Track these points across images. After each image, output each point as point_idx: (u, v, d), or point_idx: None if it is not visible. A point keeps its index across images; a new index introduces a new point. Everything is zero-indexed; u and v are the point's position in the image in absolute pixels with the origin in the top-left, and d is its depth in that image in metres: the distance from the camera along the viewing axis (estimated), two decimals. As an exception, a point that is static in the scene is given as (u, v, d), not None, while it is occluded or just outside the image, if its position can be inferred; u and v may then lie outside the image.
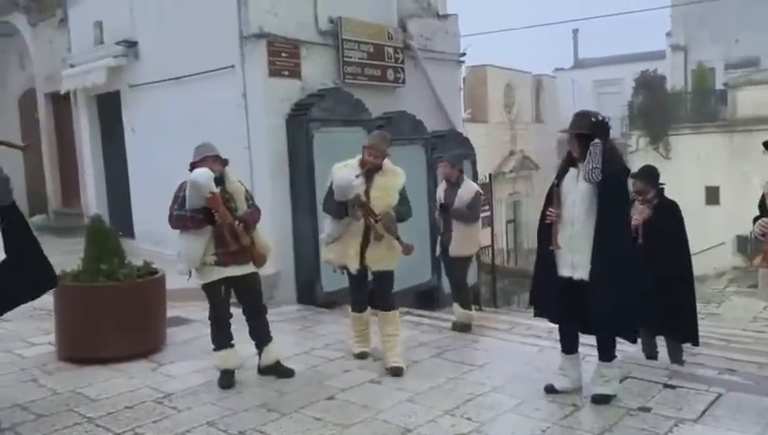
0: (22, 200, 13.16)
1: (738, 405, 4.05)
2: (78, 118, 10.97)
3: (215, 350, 4.56)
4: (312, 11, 8.06)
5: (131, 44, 9.17)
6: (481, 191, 6.61)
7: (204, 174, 4.20)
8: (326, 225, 4.91)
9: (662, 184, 5.72)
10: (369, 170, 4.68)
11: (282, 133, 7.62)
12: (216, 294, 4.48)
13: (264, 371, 4.71)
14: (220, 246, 4.34)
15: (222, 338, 4.55)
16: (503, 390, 4.39)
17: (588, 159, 3.90)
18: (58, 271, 4.33)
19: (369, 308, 5.13)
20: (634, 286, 4.03)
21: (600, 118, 4.09)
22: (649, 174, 5.61)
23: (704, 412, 3.94)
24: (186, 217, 4.28)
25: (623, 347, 5.79)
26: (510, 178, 23.22)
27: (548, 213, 4.17)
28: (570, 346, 4.33)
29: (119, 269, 5.21)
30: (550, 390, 4.28)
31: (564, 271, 4.10)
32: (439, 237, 6.50)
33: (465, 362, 5.14)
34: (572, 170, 4.11)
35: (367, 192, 4.62)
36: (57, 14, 10.96)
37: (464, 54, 10.77)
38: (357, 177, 4.62)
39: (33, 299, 4.11)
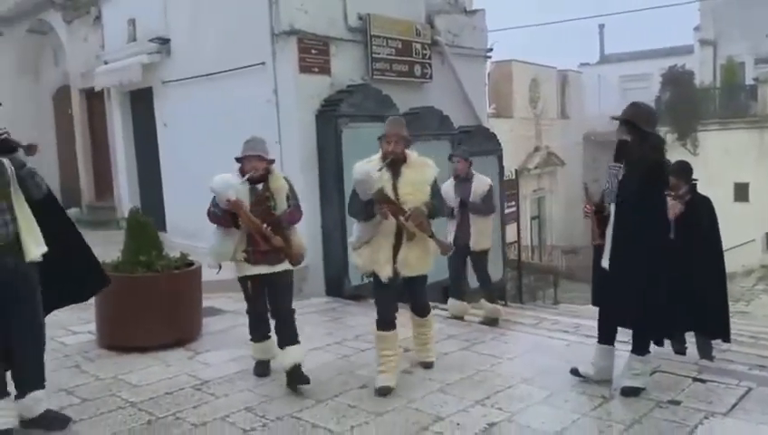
0: (55, 194, 13.52)
1: (769, 399, 4.07)
2: (111, 113, 11.22)
3: (251, 340, 4.62)
4: (341, 8, 8.16)
5: (164, 41, 9.36)
6: (492, 184, 6.70)
7: (220, 182, 4.11)
8: (355, 228, 4.43)
9: (695, 179, 5.72)
10: (395, 163, 4.23)
11: (311, 129, 7.74)
12: (246, 289, 4.45)
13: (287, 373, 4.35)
14: (251, 245, 4.26)
15: (258, 330, 4.56)
16: (532, 382, 4.46)
17: (607, 179, 4.16)
18: None
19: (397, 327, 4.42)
20: (657, 284, 4.08)
21: (644, 106, 4.29)
22: (682, 169, 5.61)
23: (734, 406, 3.97)
24: (218, 215, 4.24)
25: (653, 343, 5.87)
26: (534, 174, 23.14)
27: (585, 208, 4.39)
28: (604, 336, 4.37)
29: (157, 261, 5.37)
30: (574, 373, 4.44)
31: (605, 263, 4.23)
32: (453, 235, 6.39)
33: (494, 354, 5.21)
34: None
35: (395, 188, 4.19)
36: (92, 12, 11.21)
37: (491, 50, 10.80)
38: (379, 170, 4.13)
39: (83, 300, 4.14)
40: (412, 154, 4.37)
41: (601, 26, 33.00)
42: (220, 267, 4.47)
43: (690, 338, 5.75)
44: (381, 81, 8.43)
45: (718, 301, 5.61)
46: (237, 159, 4.32)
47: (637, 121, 4.11)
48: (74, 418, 3.87)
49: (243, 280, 4.42)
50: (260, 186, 4.28)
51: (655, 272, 4.08)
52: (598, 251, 4.36)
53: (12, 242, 3.45)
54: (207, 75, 8.53)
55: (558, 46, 37.89)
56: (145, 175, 10.73)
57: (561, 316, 9.09)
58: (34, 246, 3.51)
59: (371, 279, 4.41)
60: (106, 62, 10.47)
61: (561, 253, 19.44)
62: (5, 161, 3.49)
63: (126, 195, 11.00)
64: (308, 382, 4.25)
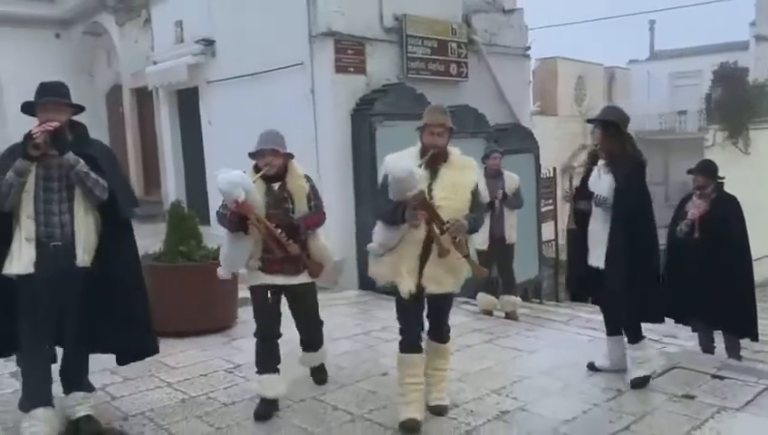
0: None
1: (787, 398, 4.10)
2: (159, 112, 11.71)
3: (257, 372, 3.90)
4: (377, 9, 8.38)
5: (209, 43, 9.75)
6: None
7: (229, 180, 3.55)
8: (377, 232, 3.72)
9: (721, 178, 5.73)
10: (433, 160, 3.54)
11: (347, 127, 7.99)
12: (261, 298, 3.86)
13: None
14: (266, 251, 3.77)
15: (266, 359, 3.88)
16: (549, 374, 4.58)
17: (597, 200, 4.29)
18: (141, 253, 4.57)
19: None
20: (647, 273, 4.30)
21: (620, 109, 4.50)
22: (709, 169, 5.62)
23: (749, 402, 4.02)
24: (225, 216, 3.71)
25: (681, 342, 5.89)
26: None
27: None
28: (610, 328, 4.54)
29: (196, 251, 5.69)
30: (591, 367, 4.57)
31: (594, 262, 4.36)
32: (489, 229, 6.45)
33: (516, 347, 5.34)
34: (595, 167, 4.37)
35: (429, 191, 3.49)
36: (142, 15, 11.72)
37: (529, 48, 10.84)
38: (419, 166, 3.47)
39: (119, 362, 3.88)
40: (454, 151, 3.70)
41: (652, 22, 32.33)
42: (234, 276, 4.08)
43: (720, 338, 5.75)
44: (416, 80, 8.61)
45: (745, 299, 5.60)
46: (251, 155, 3.86)
47: (621, 124, 4.23)
48: (116, 394, 4.20)
49: (255, 289, 3.88)
50: (276, 185, 3.82)
51: (654, 266, 4.31)
52: (574, 244, 4.54)
53: (67, 244, 3.41)
54: (249, 75, 8.87)
55: (607, 43, 37.13)
56: (191, 171, 11.17)
57: (594, 314, 9.10)
58: (82, 251, 3.44)
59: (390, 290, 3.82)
60: (155, 63, 10.95)
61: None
62: (65, 160, 3.34)
63: (173, 190, 11.47)
64: (325, 381, 4.28)
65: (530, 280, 10.20)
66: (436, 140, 3.58)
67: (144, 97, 12.27)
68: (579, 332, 6.21)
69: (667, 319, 5.99)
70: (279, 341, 3.93)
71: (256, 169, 3.80)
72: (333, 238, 7.51)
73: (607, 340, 4.58)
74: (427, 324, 3.83)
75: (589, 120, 4.81)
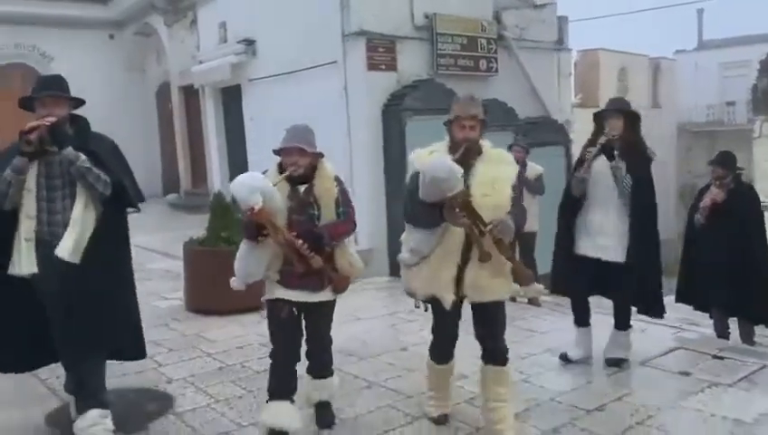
0: (157, 181, 15.02)
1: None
2: (205, 108, 12.35)
3: (269, 399, 3.42)
4: (408, 8, 8.73)
5: (250, 43, 10.29)
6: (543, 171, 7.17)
7: (246, 183, 3.13)
8: (408, 238, 3.40)
9: (740, 169, 5.92)
10: (466, 155, 3.23)
11: (378, 122, 8.39)
12: (278, 312, 3.35)
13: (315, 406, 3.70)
14: (287, 263, 3.30)
15: (281, 385, 3.40)
16: (556, 352, 4.88)
17: (618, 174, 4.28)
18: (186, 240, 4.78)
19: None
20: (659, 267, 4.49)
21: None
22: (728, 159, 5.82)
23: (742, 379, 4.27)
24: (243, 223, 3.31)
25: (702, 330, 6.08)
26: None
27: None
28: (583, 320, 4.69)
29: (236, 236, 6.20)
30: (564, 358, 4.63)
31: (590, 252, 4.38)
32: None
33: (529, 329, 5.67)
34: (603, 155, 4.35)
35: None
36: (188, 16, 12.37)
37: (561, 41, 11.03)
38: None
39: (113, 357, 3.60)
40: (487, 144, 3.39)
41: (700, 11, 31.65)
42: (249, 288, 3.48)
43: (736, 325, 5.94)
44: (446, 75, 8.94)
45: (760, 286, 5.78)
46: (276, 152, 3.41)
47: (639, 116, 4.40)
48: (162, 362, 4.74)
49: (272, 305, 3.39)
50: (302, 188, 3.36)
51: (656, 259, 4.49)
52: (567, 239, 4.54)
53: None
54: (287, 73, 9.37)
55: (654, 33, 36.48)
56: (234, 164, 11.76)
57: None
58: (65, 243, 3.17)
59: (427, 308, 3.45)
60: (200, 62, 11.58)
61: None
62: (64, 156, 3.19)
63: (218, 182, 12.10)
64: (332, 425, 3.63)
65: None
66: (468, 133, 3.26)
67: (191, 94, 12.94)
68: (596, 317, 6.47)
69: (685, 305, 6.24)
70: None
71: (281, 168, 3.38)
72: (365, 228, 8.06)
73: (577, 331, 4.68)
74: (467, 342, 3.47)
75: (605, 110, 4.51)
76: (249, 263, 3.35)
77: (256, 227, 3.19)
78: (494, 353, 3.39)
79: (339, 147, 8.48)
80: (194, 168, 13.84)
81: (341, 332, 5.36)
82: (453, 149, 3.27)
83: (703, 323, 6.31)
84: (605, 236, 4.36)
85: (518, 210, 3.30)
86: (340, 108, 8.50)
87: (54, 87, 3.32)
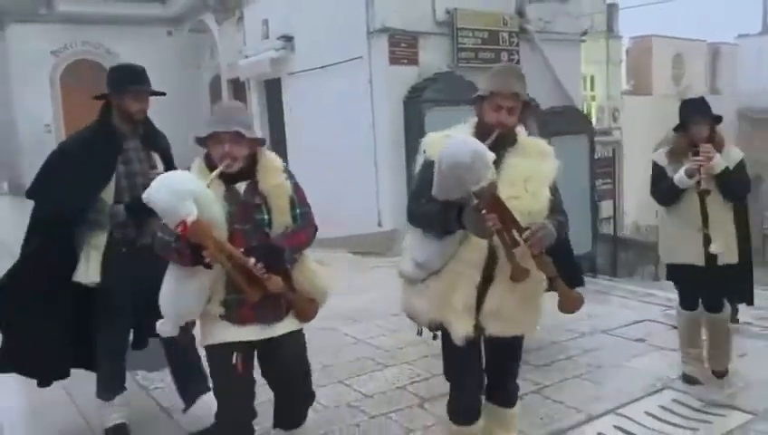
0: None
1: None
2: (250, 99, 13.27)
3: None
4: (430, 4, 9.33)
5: (289, 39, 11.10)
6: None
7: (170, 188, 2.32)
8: (412, 246, 2.61)
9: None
10: (498, 143, 2.44)
11: (399, 113, 9.06)
12: (225, 366, 2.51)
13: None
14: (233, 291, 2.46)
15: None
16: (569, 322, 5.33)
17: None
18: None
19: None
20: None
21: None
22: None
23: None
24: (169, 245, 2.38)
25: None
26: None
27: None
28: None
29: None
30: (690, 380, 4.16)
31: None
32: None
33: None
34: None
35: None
36: (236, 14, 13.29)
37: (585, 33, 11.36)
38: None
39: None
40: (522, 131, 2.61)
41: (763, -7, 30.56)
42: (183, 330, 2.57)
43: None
44: (466, 68, 9.49)
45: (739, 265, 6.13)
46: (199, 141, 2.53)
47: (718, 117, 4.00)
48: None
49: (218, 350, 2.53)
50: (242, 186, 2.55)
51: None
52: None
53: None
54: (319, 68, 10.13)
55: (714, 18, 35.34)
56: (276, 152, 12.60)
57: (638, 288, 9.68)
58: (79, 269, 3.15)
59: (436, 337, 2.63)
60: (246, 57, 12.47)
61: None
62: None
63: (261, 169, 13.00)
64: None
65: (583, 255, 10.88)
66: (504, 117, 2.47)
67: (238, 87, 13.89)
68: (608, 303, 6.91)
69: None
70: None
71: (208, 162, 2.53)
72: (389, 208, 8.73)
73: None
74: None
75: (687, 118, 3.89)
76: (185, 297, 2.47)
77: (191, 248, 2.32)
78: (503, 394, 2.76)
79: (364, 136, 9.21)
80: (242, 156, 14.76)
81: (347, 301, 6.10)
82: (480, 134, 2.47)
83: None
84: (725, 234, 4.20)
85: (563, 217, 2.54)
86: (365, 100, 9.20)
87: (146, 82, 3.23)
